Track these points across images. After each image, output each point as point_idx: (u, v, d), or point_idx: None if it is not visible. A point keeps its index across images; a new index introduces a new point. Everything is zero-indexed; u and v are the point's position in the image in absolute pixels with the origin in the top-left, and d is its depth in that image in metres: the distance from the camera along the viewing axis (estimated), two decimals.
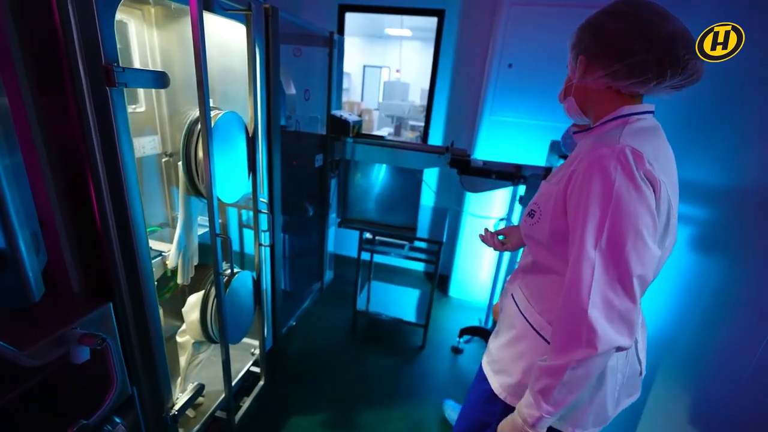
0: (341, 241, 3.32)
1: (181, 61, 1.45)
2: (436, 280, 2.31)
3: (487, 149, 2.66)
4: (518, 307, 0.94)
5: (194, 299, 1.26)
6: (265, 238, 1.40)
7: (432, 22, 2.81)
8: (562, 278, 0.76)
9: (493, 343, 1.02)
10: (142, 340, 0.98)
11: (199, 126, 1.09)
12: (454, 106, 2.94)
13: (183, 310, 1.28)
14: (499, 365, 0.97)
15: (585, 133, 0.84)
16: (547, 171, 1.94)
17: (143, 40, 1.41)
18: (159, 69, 1.45)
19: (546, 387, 0.75)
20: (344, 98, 7.15)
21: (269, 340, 1.76)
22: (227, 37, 1.43)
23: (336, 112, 2.04)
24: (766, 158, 1.10)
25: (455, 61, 2.83)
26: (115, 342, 0.88)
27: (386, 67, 8.50)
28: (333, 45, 1.88)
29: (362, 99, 8.45)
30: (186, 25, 1.44)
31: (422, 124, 5.13)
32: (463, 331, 2.53)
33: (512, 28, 2.38)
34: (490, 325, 2.63)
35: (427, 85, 7.67)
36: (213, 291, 1.22)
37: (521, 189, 2.09)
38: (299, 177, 1.95)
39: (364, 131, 2.23)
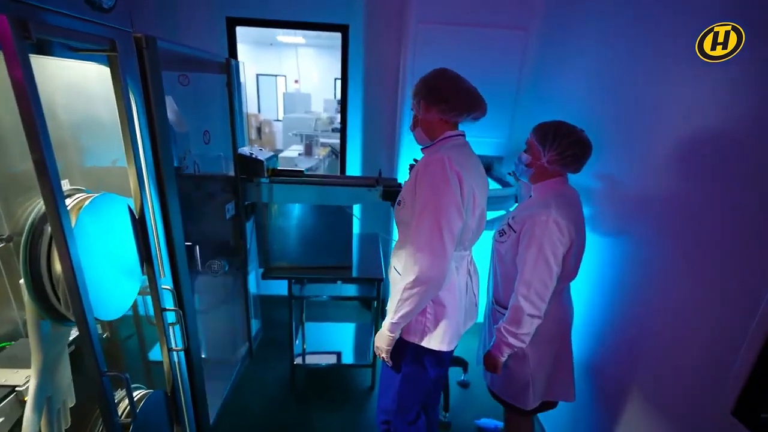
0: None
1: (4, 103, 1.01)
2: (378, 317, 2.14)
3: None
4: (395, 269, 1.34)
5: None
6: (177, 338, 1.06)
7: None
8: None
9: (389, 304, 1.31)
10: None
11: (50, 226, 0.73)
12: (370, 124, 2.80)
13: None
14: None
15: (428, 149, 1.28)
16: None
17: None
18: None
19: (395, 302, 1.18)
20: None
21: None
22: (78, 77, 1.04)
23: (244, 150, 1.72)
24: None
25: (366, 78, 2.68)
26: None
27: (282, 75, 8.04)
28: (231, 72, 1.56)
29: (259, 110, 7.86)
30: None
31: (333, 140, 4.93)
32: None
33: (422, 46, 2.32)
34: None
35: (329, 95, 7.50)
36: None
37: None
38: (208, 233, 1.60)
39: (264, 145, 1.91)
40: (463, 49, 2.32)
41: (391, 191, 1.81)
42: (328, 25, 2.58)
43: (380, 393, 1.52)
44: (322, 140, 4.24)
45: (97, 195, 0.78)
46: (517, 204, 2.04)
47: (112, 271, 0.83)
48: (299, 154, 3.88)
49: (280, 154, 4.07)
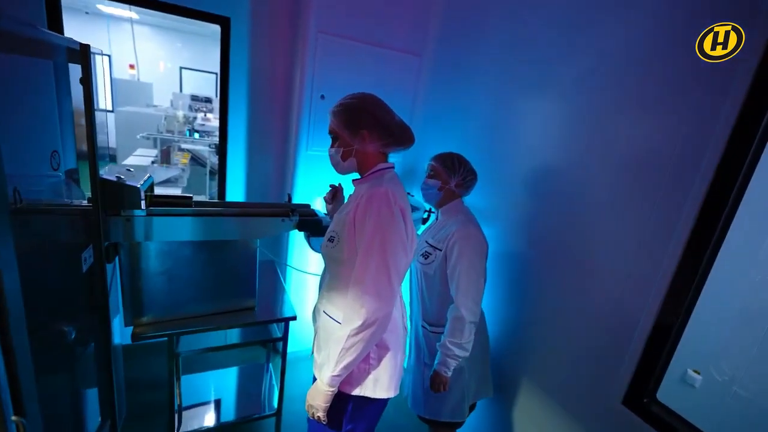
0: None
1: None
2: (284, 361, 1.88)
3: (305, 185, 2.37)
4: (327, 314, 1.21)
5: None
6: None
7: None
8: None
9: (318, 355, 1.24)
10: None
11: None
12: (255, 136, 2.45)
13: None
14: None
15: (360, 181, 1.21)
16: None
17: None
18: None
19: (336, 352, 1.04)
20: None
21: None
22: None
23: (109, 175, 1.23)
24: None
25: (252, 81, 2.34)
26: None
27: (104, 54, 6.38)
28: (89, 62, 1.08)
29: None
30: None
31: (196, 147, 4.13)
32: None
33: (321, 58, 2.16)
34: None
35: (176, 88, 6.40)
36: None
37: None
38: (56, 299, 1.08)
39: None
40: (362, 65, 2.27)
41: (309, 221, 1.60)
42: (203, 13, 2.14)
43: None
44: (182, 145, 3.50)
45: None
46: (423, 226, 2.10)
47: None
48: (153, 162, 3.12)
49: (125, 161, 3.14)
